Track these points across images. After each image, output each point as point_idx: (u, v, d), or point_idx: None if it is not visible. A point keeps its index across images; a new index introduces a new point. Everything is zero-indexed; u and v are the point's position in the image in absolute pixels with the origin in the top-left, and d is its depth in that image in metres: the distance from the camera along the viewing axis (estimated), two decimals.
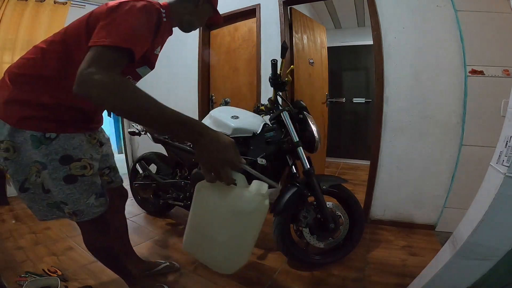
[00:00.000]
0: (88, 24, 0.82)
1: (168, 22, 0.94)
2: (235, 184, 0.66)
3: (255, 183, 0.68)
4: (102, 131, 1.13)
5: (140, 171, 2.20)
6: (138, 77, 1.00)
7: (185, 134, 0.64)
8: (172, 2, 0.98)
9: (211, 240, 0.71)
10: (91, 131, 1.00)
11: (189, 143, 1.75)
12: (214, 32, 2.92)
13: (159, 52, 1.01)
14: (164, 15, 0.90)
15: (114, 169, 1.21)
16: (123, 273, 1.27)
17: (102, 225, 1.03)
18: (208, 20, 1.09)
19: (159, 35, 0.89)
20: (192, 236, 0.76)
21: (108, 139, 1.17)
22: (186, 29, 1.06)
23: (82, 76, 0.63)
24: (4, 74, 0.88)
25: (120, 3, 0.78)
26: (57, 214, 0.96)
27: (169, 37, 1.05)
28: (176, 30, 1.07)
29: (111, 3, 0.80)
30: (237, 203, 0.66)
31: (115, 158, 1.23)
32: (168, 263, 1.52)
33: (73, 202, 0.91)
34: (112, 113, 1.01)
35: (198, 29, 1.15)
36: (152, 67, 1.01)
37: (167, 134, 0.63)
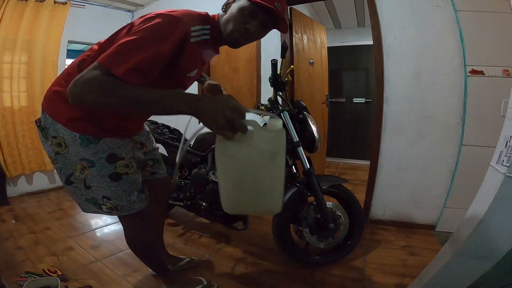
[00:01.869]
0: (124, 35, 0.83)
1: (211, 41, 0.90)
2: (252, 128, 0.67)
3: (268, 122, 0.71)
4: (146, 133, 1.19)
5: None
6: None
7: (183, 105, 0.67)
8: (223, 16, 0.90)
9: (257, 189, 0.74)
10: (131, 136, 1.05)
11: (188, 144, 1.75)
12: None
13: (195, 74, 0.95)
14: (200, 35, 0.84)
15: (157, 161, 1.26)
16: (159, 268, 1.30)
17: (142, 221, 1.07)
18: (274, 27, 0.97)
19: (185, 58, 0.84)
20: (235, 196, 0.78)
21: (149, 132, 1.22)
22: (237, 45, 0.94)
23: (69, 91, 0.68)
24: (62, 73, 0.93)
25: (148, 16, 0.79)
26: (93, 209, 0.99)
27: None
28: None
29: (146, 15, 0.81)
30: (263, 146, 0.67)
31: None
32: (189, 259, 1.57)
33: (116, 198, 0.95)
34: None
35: None
36: (184, 89, 1.01)
37: (166, 113, 0.63)
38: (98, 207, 0.97)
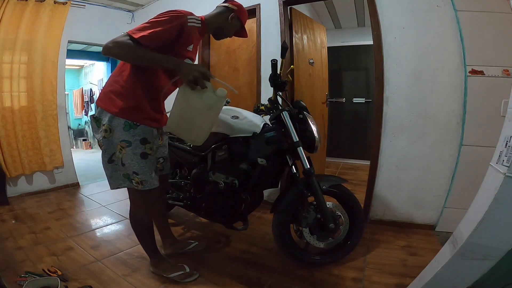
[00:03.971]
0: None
1: (201, 29, 1.30)
2: (207, 88, 1.13)
3: (219, 89, 1.16)
4: (162, 129, 1.44)
5: None
6: None
7: (170, 63, 1.14)
8: (208, 15, 1.36)
9: (191, 122, 1.21)
10: (157, 126, 1.33)
11: (188, 144, 1.77)
12: None
13: (192, 49, 1.31)
14: (194, 22, 1.24)
15: (166, 159, 1.51)
16: (151, 249, 1.47)
17: (148, 200, 1.34)
18: (235, 34, 1.44)
19: (184, 36, 1.21)
20: (176, 120, 1.23)
21: (165, 133, 1.47)
22: (217, 37, 1.44)
23: (104, 46, 1.09)
24: (110, 78, 1.28)
25: (164, 12, 1.19)
26: (127, 183, 1.27)
27: None
28: None
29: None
30: (207, 101, 1.15)
31: None
32: (197, 243, 1.75)
33: (143, 173, 1.24)
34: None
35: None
36: (192, 60, 1.32)
37: (159, 67, 1.22)
38: (130, 181, 1.26)
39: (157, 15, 1.18)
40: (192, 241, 1.75)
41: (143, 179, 1.25)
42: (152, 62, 1.14)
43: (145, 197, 1.31)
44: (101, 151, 1.26)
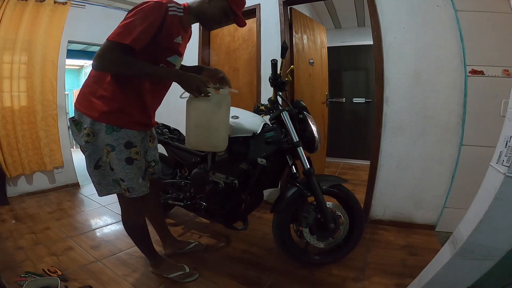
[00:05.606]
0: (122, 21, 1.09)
1: (184, 17, 1.16)
2: (210, 94, 1.18)
3: (221, 90, 1.26)
4: (152, 131, 1.38)
5: None
6: (171, 65, 1.22)
7: (171, 77, 1.16)
8: (190, 2, 1.23)
9: (207, 128, 1.23)
10: (144, 129, 1.25)
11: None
12: (214, 32, 2.92)
13: (181, 41, 1.20)
14: (175, 10, 1.11)
15: (157, 162, 1.44)
16: (148, 251, 1.45)
17: (139, 205, 1.27)
18: (231, 21, 1.25)
19: (167, 27, 1.10)
20: (194, 133, 1.25)
21: (156, 137, 1.42)
22: (205, 25, 1.30)
23: (95, 63, 1.02)
24: (88, 78, 1.16)
25: (137, 6, 1.06)
26: (118, 189, 1.21)
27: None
28: None
29: (134, 7, 1.08)
30: (214, 101, 1.20)
31: None
32: (197, 242, 1.74)
33: (129, 180, 1.16)
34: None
35: (219, 27, 1.36)
36: (179, 55, 1.24)
37: (162, 80, 1.21)
38: (120, 187, 1.19)
39: (134, 9, 1.07)
40: (192, 241, 1.74)
41: (130, 186, 1.17)
42: (152, 76, 1.12)
43: (134, 202, 1.24)
44: (84, 156, 1.17)
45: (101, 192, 1.22)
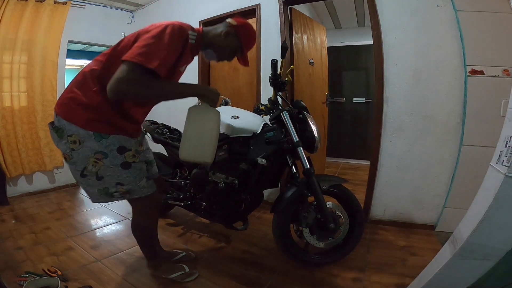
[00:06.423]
0: (135, 42, 1.02)
1: (195, 46, 1.14)
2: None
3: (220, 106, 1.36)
4: (142, 135, 1.35)
5: None
6: None
7: (199, 91, 1.15)
8: (206, 29, 1.20)
9: (201, 140, 1.15)
10: (132, 137, 1.19)
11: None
12: None
13: (184, 70, 1.23)
14: (193, 38, 1.10)
15: (151, 162, 1.40)
16: (151, 253, 1.45)
17: (150, 206, 1.27)
18: (236, 57, 1.25)
19: (185, 55, 1.09)
20: (188, 144, 1.16)
21: (143, 134, 1.39)
22: (209, 57, 1.25)
23: (113, 89, 0.92)
24: (72, 82, 1.10)
25: (157, 26, 1.01)
26: (103, 199, 1.15)
27: None
28: None
29: (152, 25, 1.04)
30: (217, 114, 1.19)
31: None
32: (185, 253, 1.64)
33: (128, 183, 1.14)
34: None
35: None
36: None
37: (188, 96, 1.12)
38: (109, 196, 1.14)
39: (152, 29, 1.00)
40: (180, 251, 1.65)
41: (129, 188, 1.15)
42: (180, 95, 1.09)
43: (145, 203, 1.24)
44: (68, 164, 1.11)
45: (92, 199, 1.16)
